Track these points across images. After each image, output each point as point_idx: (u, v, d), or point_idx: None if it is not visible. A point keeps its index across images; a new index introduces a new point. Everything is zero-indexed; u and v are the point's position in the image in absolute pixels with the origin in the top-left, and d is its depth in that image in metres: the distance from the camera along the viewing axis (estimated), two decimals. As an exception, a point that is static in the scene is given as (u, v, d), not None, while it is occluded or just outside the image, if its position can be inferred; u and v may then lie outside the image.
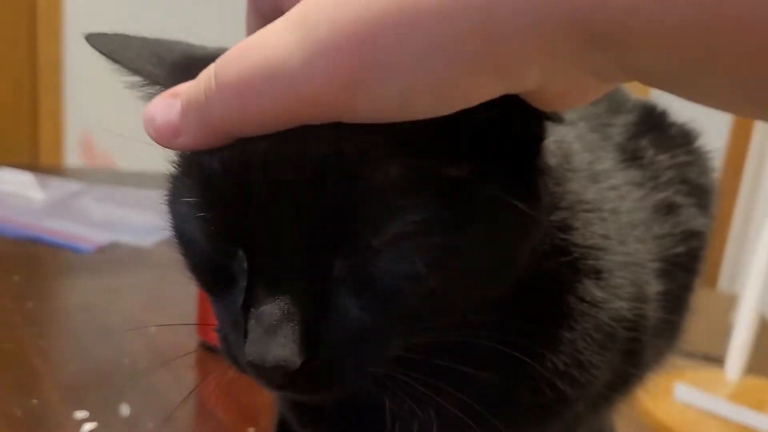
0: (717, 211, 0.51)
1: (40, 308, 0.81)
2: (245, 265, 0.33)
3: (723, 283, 2.19)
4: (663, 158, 0.47)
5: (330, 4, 0.26)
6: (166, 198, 0.37)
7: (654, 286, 0.44)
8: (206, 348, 0.72)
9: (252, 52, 0.28)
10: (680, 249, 0.46)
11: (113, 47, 0.38)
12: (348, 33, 0.26)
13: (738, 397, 1.30)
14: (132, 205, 1.17)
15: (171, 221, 0.37)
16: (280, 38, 0.27)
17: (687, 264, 0.47)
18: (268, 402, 0.64)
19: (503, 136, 0.32)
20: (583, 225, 0.39)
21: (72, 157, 2.67)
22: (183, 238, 0.36)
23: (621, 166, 0.46)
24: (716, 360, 1.58)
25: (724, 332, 1.60)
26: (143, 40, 0.39)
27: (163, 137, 0.32)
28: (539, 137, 0.35)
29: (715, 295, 2.26)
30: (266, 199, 0.31)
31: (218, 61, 0.29)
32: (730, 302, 1.80)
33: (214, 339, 0.73)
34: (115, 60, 0.37)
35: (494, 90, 0.27)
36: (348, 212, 0.30)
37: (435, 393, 0.35)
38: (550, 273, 0.38)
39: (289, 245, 0.31)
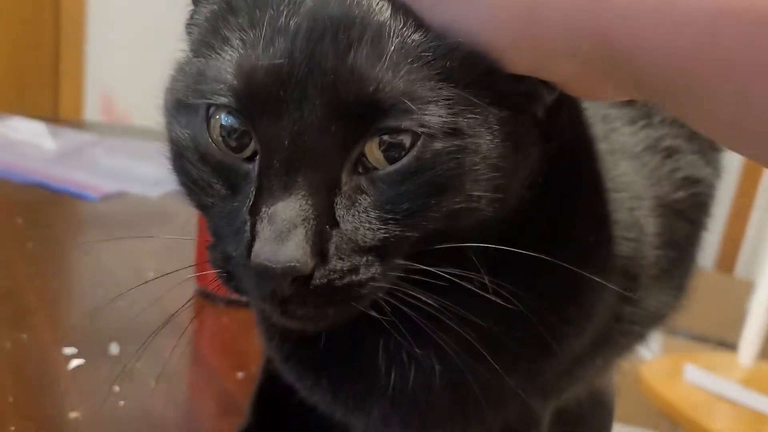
0: (723, 164, 0.49)
1: (39, 250, 0.81)
2: (257, 165, 0.32)
3: (740, 269, 2.15)
4: None
5: None
6: (169, 93, 0.36)
7: (652, 225, 0.42)
8: (203, 295, 0.70)
9: None
10: (680, 194, 0.44)
11: None
12: None
13: (750, 382, 1.28)
14: (142, 156, 1.16)
15: (172, 122, 0.35)
16: None
17: (689, 212, 0.45)
18: (258, 349, 0.63)
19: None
20: (579, 147, 0.38)
21: (92, 115, 2.67)
22: (187, 140, 0.34)
23: (612, 105, 0.44)
24: (730, 346, 1.55)
25: (739, 318, 1.56)
26: None
27: None
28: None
29: (732, 280, 2.22)
30: (300, 72, 0.30)
31: None
32: (747, 288, 1.77)
33: (212, 285, 0.72)
34: None
35: (526, 70, 0.31)
36: (372, 96, 0.30)
37: (436, 327, 0.34)
38: (550, 197, 0.36)
39: (310, 129, 0.30)
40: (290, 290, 0.31)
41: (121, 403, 0.53)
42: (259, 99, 0.31)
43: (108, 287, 0.73)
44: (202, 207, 0.36)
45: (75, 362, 0.56)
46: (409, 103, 0.30)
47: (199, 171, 0.34)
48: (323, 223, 0.31)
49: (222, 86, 0.32)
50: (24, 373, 0.55)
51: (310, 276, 0.30)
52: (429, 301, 0.33)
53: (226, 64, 0.32)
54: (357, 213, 0.31)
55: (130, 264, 0.78)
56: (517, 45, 0.30)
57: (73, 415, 0.51)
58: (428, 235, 0.32)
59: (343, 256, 0.31)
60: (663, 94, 0.28)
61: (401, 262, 0.33)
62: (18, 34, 2.51)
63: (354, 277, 0.31)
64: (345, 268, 0.31)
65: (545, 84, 0.33)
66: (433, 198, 0.31)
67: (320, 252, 0.30)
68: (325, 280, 0.31)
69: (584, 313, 0.39)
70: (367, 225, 0.31)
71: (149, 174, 1.08)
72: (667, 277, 0.44)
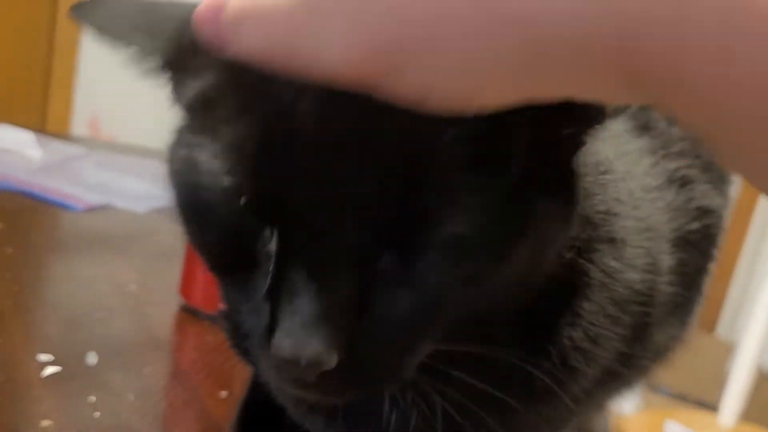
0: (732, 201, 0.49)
1: (18, 256, 0.77)
2: (273, 245, 0.29)
3: (722, 329, 2.15)
4: (676, 130, 0.45)
5: None
6: (172, 162, 0.32)
7: (668, 259, 0.41)
8: (187, 310, 0.68)
9: None
10: (694, 225, 0.43)
11: (103, 19, 0.34)
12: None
13: (730, 443, 1.26)
14: (129, 171, 1.13)
15: (179, 189, 0.32)
16: None
17: (701, 243, 0.44)
18: (243, 367, 0.60)
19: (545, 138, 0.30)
20: (600, 190, 0.37)
21: (79, 134, 2.65)
22: (196, 209, 0.31)
23: (631, 134, 0.43)
24: (710, 406, 1.54)
25: (719, 379, 1.56)
26: (136, 5, 0.35)
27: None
28: (582, 141, 0.32)
29: (713, 341, 2.22)
30: (316, 167, 0.27)
31: None
32: (728, 350, 1.76)
33: (196, 302, 0.69)
34: (105, 33, 0.33)
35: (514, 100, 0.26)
36: (410, 197, 0.27)
37: (443, 381, 0.32)
38: (572, 245, 0.35)
39: (337, 226, 0.27)
40: (313, 379, 0.28)
41: (96, 414, 0.50)
42: (264, 203, 0.28)
43: (88, 298, 0.70)
44: (216, 273, 0.33)
45: (50, 369, 0.54)
46: (448, 203, 0.27)
47: (212, 239, 0.31)
48: (350, 313, 0.28)
49: (220, 191, 0.29)
50: (-5, 378, 0.52)
51: (336, 368, 0.28)
52: (447, 391, 0.32)
53: (220, 161, 0.29)
54: (389, 301, 0.29)
55: (112, 276, 0.75)
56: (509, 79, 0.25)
57: (45, 423, 0.48)
58: (459, 323, 0.30)
59: (369, 346, 0.29)
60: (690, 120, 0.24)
61: (428, 349, 0.31)
62: (11, 48, 2.50)
63: (379, 368, 0.30)
64: (371, 360, 0.29)
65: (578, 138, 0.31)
66: (468, 288, 0.29)
67: (347, 343, 0.28)
68: (352, 372, 0.29)
69: (601, 350, 0.37)
70: (398, 312, 0.29)
71: (136, 189, 1.06)
72: (677, 311, 0.43)
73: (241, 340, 0.31)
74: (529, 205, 0.29)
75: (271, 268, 0.29)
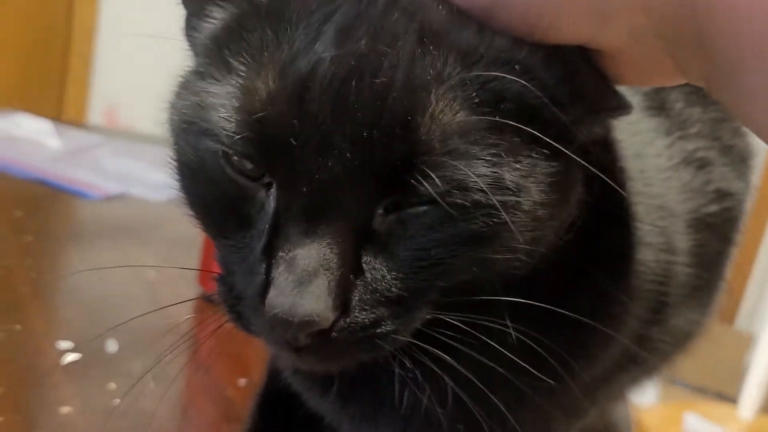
0: (755, 179, 0.48)
1: (37, 243, 0.78)
2: (272, 201, 0.28)
3: (741, 321, 2.13)
4: (693, 111, 0.44)
5: None
6: (174, 112, 0.32)
7: (684, 240, 0.40)
8: (206, 299, 0.68)
9: None
10: (713, 208, 0.42)
11: None
12: None
13: (749, 435, 1.25)
14: (146, 160, 1.13)
15: (180, 140, 0.31)
16: None
17: (720, 227, 0.43)
18: (261, 354, 0.60)
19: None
20: (610, 164, 0.36)
21: (95, 122, 2.66)
22: (197, 161, 0.30)
23: (645, 114, 0.42)
24: (729, 398, 1.53)
25: (738, 371, 1.54)
26: None
27: None
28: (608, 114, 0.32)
29: (732, 332, 2.20)
30: (323, 114, 0.26)
31: None
32: (746, 342, 1.75)
33: (214, 289, 0.69)
34: None
35: (585, 30, 0.27)
36: (409, 151, 0.26)
37: (452, 356, 0.31)
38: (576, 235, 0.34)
39: (337, 179, 0.27)
40: (306, 341, 0.28)
41: (116, 401, 0.50)
42: (270, 149, 0.28)
43: (107, 285, 0.70)
44: (210, 233, 0.33)
45: (70, 357, 0.54)
46: (452, 162, 0.26)
47: (208, 195, 0.31)
48: (347, 271, 0.27)
49: (227, 132, 0.28)
50: (16, 365, 0.52)
51: (330, 328, 0.27)
52: (447, 358, 0.30)
53: (232, 101, 0.28)
54: (384, 260, 0.28)
55: (130, 263, 0.75)
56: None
57: (65, 409, 0.48)
58: (455, 286, 0.29)
59: (366, 308, 0.28)
60: (730, 66, 0.26)
61: (424, 313, 0.30)
62: (29, 36, 2.50)
63: (376, 330, 0.29)
64: (367, 321, 0.28)
65: (597, 115, 0.31)
66: (466, 248, 0.28)
67: (342, 303, 0.27)
68: (345, 333, 0.28)
69: (601, 343, 0.36)
70: (394, 273, 0.28)
71: (153, 178, 1.06)
72: (697, 294, 0.42)
73: (234, 303, 0.31)
74: (546, 163, 0.29)
75: (267, 225, 0.28)
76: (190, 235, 0.85)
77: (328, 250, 0.27)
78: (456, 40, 0.27)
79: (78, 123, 2.57)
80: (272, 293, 0.27)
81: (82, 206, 0.92)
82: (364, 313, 0.28)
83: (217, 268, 0.69)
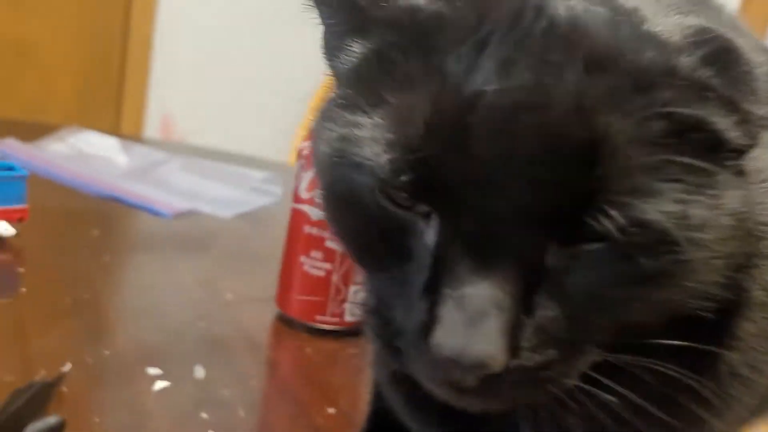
0: None
1: (116, 262, 0.79)
2: (432, 235, 0.27)
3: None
4: None
5: None
6: (320, 142, 0.31)
7: None
8: (283, 321, 0.68)
9: None
10: None
11: None
12: None
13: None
14: (212, 177, 1.14)
15: (328, 172, 0.30)
16: None
17: None
18: (346, 382, 0.59)
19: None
20: (763, 198, 0.34)
21: (151, 135, 2.71)
22: (348, 193, 0.29)
23: None
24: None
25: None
26: None
27: None
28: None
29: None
30: (489, 149, 0.25)
31: None
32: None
33: (293, 311, 0.69)
34: None
35: None
36: (587, 190, 0.25)
37: (587, 396, 0.30)
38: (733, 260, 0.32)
39: (507, 215, 0.26)
40: (474, 383, 0.27)
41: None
42: (430, 185, 0.27)
43: (186, 306, 0.70)
44: (365, 265, 0.32)
45: (160, 383, 0.54)
46: (634, 200, 0.25)
47: (363, 228, 0.30)
48: (518, 311, 0.26)
49: (382, 167, 0.27)
50: (108, 392, 0.53)
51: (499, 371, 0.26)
52: (613, 400, 0.29)
53: (384, 134, 0.27)
54: (556, 299, 0.27)
55: (207, 283, 0.76)
56: None
57: (161, 440, 0.48)
58: (626, 327, 0.28)
59: (536, 349, 0.27)
60: None
61: (594, 355, 0.29)
62: (86, 51, 2.56)
63: (545, 374, 0.27)
64: (537, 364, 0.27)
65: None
66: (644, 287, 0.27)
67: (513, 345, 0.26)
68: (515, 375, 0.27)
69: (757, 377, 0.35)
70: (566, 312, 0.27)
71: (222, 195, 1.07)
72: None
73: (392, 338, 0.30)
74: (731, 193, 0.27)
75: (429, 259, 0.27)
76: (263, 252, 0.85)
77: (499, 289, 0.26)
78: (629, 64, 0.26)
79: (135, 137, 2.64)
80: (440, 332, 0.26)
81: (156, 223, 0.93)
82: (534, 355, 0.27)
83: (300, 291, 0.68)
